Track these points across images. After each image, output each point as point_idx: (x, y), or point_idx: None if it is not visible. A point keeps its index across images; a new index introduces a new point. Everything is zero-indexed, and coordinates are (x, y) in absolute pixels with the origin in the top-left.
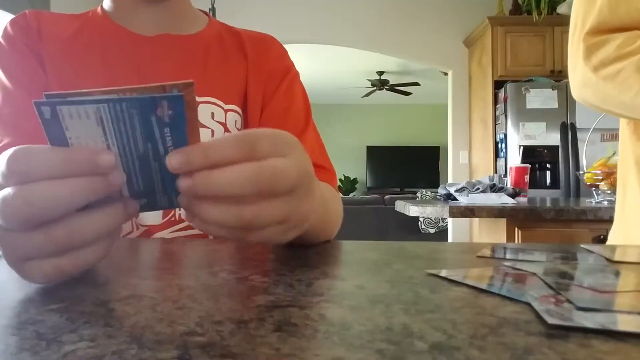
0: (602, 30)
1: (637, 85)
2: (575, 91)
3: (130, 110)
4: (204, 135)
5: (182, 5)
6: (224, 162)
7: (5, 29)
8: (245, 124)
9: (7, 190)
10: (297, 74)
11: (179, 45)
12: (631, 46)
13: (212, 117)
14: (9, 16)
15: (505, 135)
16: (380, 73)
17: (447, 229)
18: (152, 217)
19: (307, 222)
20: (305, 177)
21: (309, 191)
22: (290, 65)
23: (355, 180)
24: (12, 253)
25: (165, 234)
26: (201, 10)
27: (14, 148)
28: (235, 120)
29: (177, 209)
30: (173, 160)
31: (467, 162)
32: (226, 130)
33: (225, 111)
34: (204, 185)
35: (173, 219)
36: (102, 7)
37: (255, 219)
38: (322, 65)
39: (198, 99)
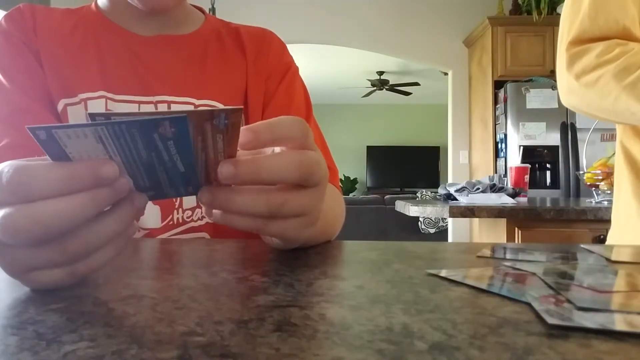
0: (583, 40)
1: (615, 91)
2: (563, 98)
3: (130, 130)
4: None
5: (180, 8)
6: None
7: (0, 24)
8: (247, 123)
9: (11, 210)
10: (296, 69)
11: (177, 46)
12: (610, 54)
13: None
14: None
15: (505, 135)
16: (380, 73)
17: (447, 229)
18: (151, 221)
19: (318, 221)
20: (326, 175)
21: (325, 189)
22: (290, 61)
23: (355, 180)
24: (15, 265)
25: (164, 237)
26: (196, 7)
27: (13, 164)
28: None
29: (175, 212)
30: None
31: (467, 162)
32: None
33: None
34: (251, 171)
35: (171, 222)
36: (96, 4)
37: (283, 205)
38: (322, 65)
39: (196, 101)
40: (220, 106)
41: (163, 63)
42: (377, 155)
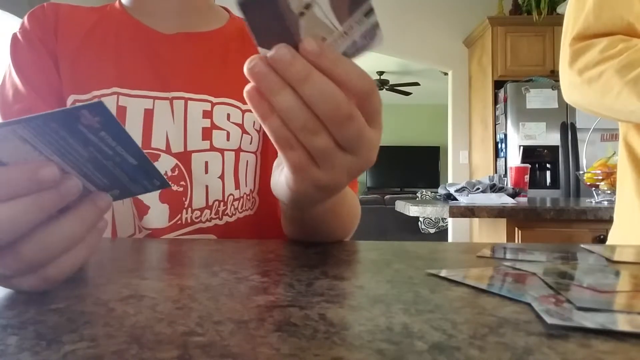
0: (587, 36)
1: (617, 86)
2: (565, 94)
3: (50, 125)
4: (220, 137)
5: (202, 0)
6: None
7: (23, 22)
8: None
9: None
10: None
11: (198, 43)
12: (613, 49)
13: (228, 118)
14: (9, 16)
15: (505, 135)
16: (380, 73)
17: (447, 229)
18: (157, 221)
19: (360, 173)
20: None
21: (377, 145)
22: None
23: None
24: None
25: (170, 237)
26: (222, 7)
27: None
28: (254, 121)
29: (184, 212)
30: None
31: (467, 162)
32: (244, 132)
33: (243, 112)
34: (333, 58)
35: (179, 222)
36: (119, 1)
37: (351, 119)
38: None
39: (213, 99)
40: (239, 105)
41: (182, 60)
42: (377, 155)
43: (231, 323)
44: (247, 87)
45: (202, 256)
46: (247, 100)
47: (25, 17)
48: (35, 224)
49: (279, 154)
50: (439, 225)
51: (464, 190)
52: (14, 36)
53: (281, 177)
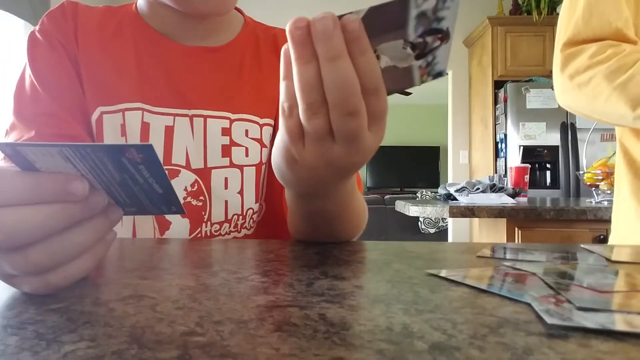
0: (577, 41)
1: (606, 91)
2: (558, 98)
3: (97, 154)
4: (239, 153)
5: (224, 20)
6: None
7: (42, 22)
8: (274, 130)
9: None
10: None
11: (215, 57)
12: (602, 55)
13: (246, 134)
14: (10, 16)
15: (505, 135)
16: None
17: (447, 229)
18: (178, 235)
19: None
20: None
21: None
22: None
23: None
24: None
25: None
26: (236, 8)
27: None
28: (270, 134)
29: (203, 225)
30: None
31: (467, 162)
32: (262, 146)
33: (261, 126)
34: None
35: (199, 235)
36: (136, 6)
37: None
38: None
39: (232, 116)
40: (256, 120)
41: (200, 75)
42: (377, 155)
43: (231, 323)
44: (286, 46)
45: (202, 256)
46: (282, 55)
47: (45, 17)
48: (54, 231)
49: (280, 117)
50: (439, 225)
51: (464, 190)
52: (33, 35)
53: (278, 146)
